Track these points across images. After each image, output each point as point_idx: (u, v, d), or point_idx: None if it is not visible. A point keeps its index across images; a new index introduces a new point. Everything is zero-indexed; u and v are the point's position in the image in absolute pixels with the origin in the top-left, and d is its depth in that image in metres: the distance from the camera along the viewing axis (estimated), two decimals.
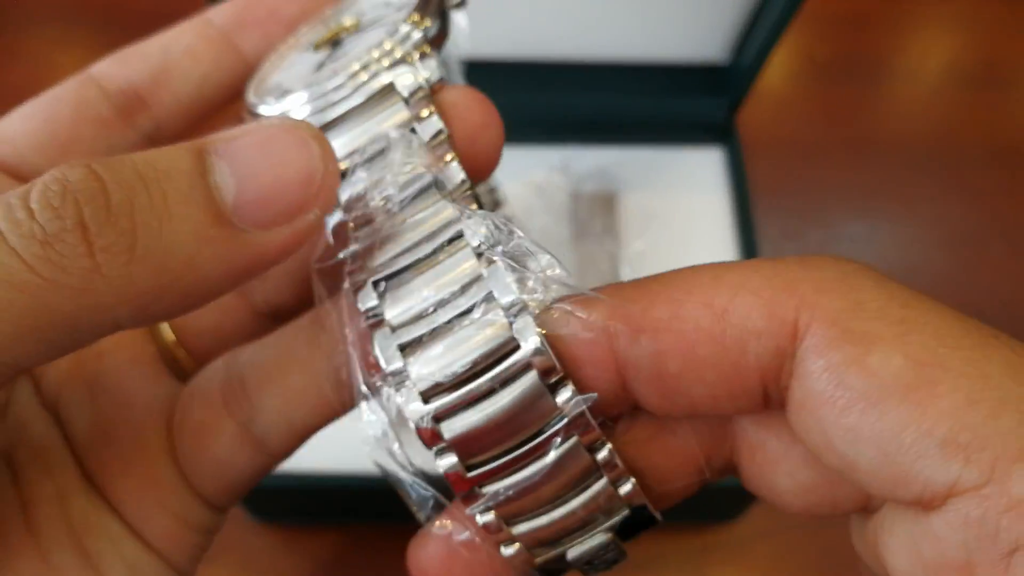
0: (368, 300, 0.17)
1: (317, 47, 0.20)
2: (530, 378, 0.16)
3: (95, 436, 0.19)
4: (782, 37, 0.48)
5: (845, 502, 0.17)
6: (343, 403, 0.19)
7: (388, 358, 0.16)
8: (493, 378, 0.16)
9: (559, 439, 0.16)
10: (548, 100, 0.53)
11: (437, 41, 0.19)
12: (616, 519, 0.17)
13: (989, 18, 0.68)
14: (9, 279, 0.13)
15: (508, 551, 0.17)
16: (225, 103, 0.21)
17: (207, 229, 0.14)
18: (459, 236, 0.17)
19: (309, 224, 0.15)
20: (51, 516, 0.18)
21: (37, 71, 0.63)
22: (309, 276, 0.19)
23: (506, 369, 0.16)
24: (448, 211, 0.17)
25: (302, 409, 0.19)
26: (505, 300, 0.16)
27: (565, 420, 0.16)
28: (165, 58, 0.20)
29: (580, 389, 0.16)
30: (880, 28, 0.67)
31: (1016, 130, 0.63)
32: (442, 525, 0.17)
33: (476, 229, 0.17)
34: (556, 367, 0.16)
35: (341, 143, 0.18)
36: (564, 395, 0.16)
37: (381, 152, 0.18)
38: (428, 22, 0.19)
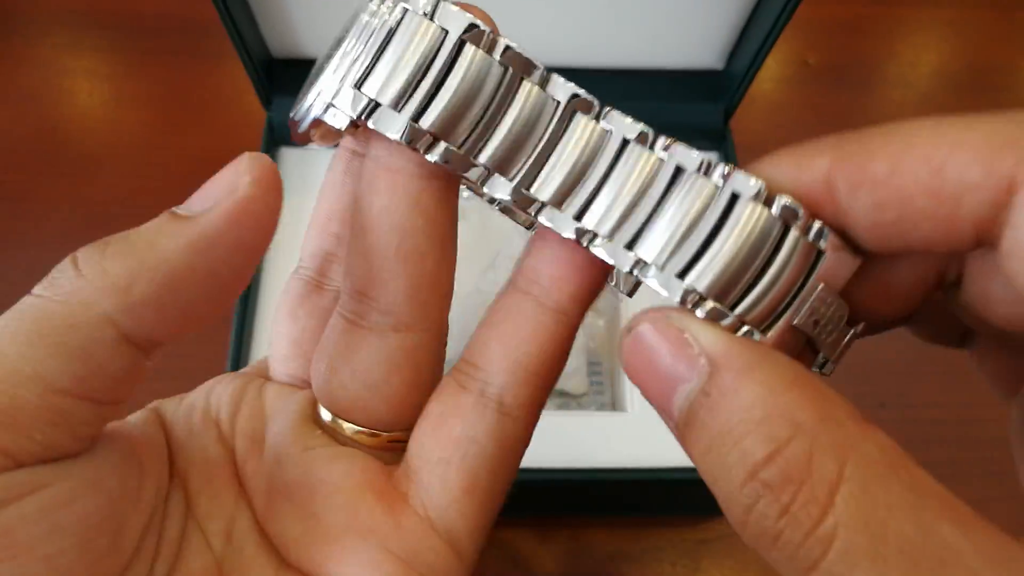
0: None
1: None
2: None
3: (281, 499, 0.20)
4: (775, 43, 0.49)
5: None
6: None
7: (671, 289, 0.17)
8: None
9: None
10: None
11: None
12: (819, 264, 0.18)
13: (980, 24, 0.69)
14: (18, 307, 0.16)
15: (742, 332, 0.18)
16: None
17: (164, 223, 0.17)
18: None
19: (246, 190, 0.17)
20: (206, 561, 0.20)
21: (47, 76, 0.64)
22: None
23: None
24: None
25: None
26: (694, 164, 0.17)
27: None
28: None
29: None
30: (872, 34, 0.68)
31: None
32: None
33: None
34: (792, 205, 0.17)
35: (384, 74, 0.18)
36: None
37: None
38: None
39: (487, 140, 0.18)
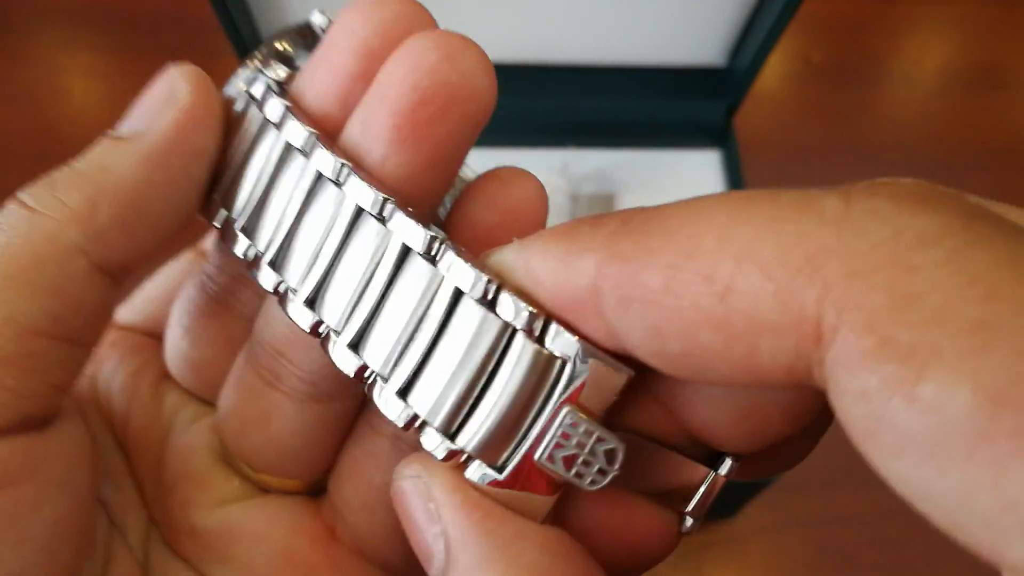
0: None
1: None
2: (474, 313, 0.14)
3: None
4: (779, 40, 0.48)
5: None
6: None
7: (397, 415, 0.15)
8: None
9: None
10: (548, 103, 0.54)
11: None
12: (563, 377, 0.14)
13: (983, 21, 0.68)
14: None
15: (471, 473, 0.14)
16: None
17: (111, 145, 0.16)
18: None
19: (188, 97, 0.16)
20: None
21: (43, 74, 0.63)
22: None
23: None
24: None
25: None
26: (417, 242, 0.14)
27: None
28: None
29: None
30: (876, 31, 0.67)
31: (1010, 131, 0.64)
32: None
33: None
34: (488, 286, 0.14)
35: None
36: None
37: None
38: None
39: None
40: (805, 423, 0.15)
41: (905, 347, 0.10)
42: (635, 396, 0.15)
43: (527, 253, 0.14)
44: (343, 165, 0.15)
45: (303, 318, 0.15)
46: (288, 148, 0.16)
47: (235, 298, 0.19)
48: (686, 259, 0.12)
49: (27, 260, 0.15)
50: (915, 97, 0.65)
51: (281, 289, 0.16)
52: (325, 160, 0.15)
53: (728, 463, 0.15)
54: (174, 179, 0.16)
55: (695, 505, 0.16)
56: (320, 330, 0.15)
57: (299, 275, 0.15)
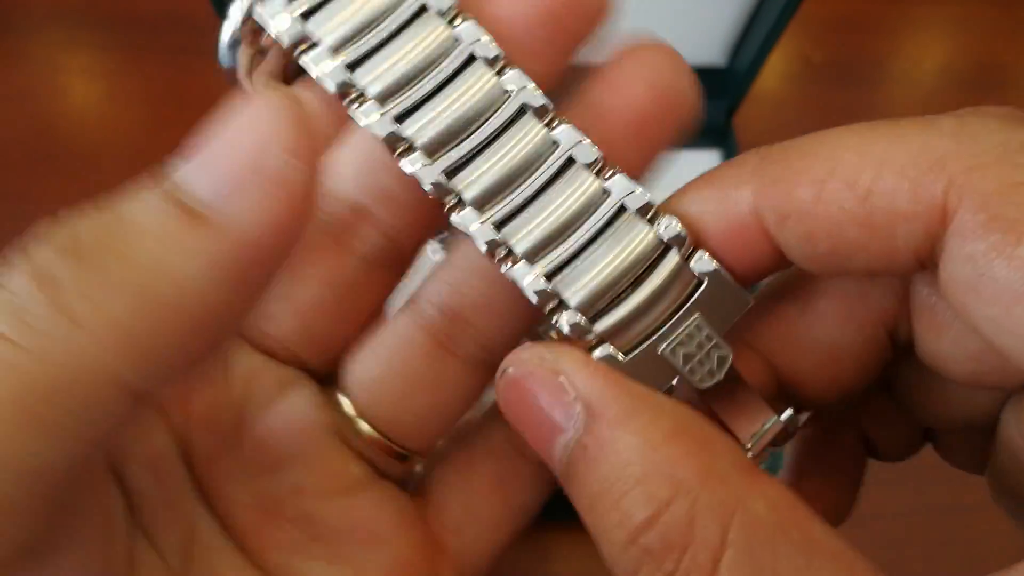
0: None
1: None
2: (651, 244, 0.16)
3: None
4: (779, 40, 0.48)
5: (1015, 376, 0.16)
6: None
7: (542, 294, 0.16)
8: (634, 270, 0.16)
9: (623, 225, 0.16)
10: None
11: None
12: (696, 294, 0.16)
13: (983, 21, 0.68)
14: None
15: (599, 352, 0.16)
16: None
17: (177, 230, 0.12)
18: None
19: (297, 184, 0.13)
20: None
21: (42, 74, 0.63)
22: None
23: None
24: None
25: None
26: (636, 203, 0.16)
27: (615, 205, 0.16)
28: None
29: (736, 268, 0.17)
30: (876, 31, 0.67)
31: None
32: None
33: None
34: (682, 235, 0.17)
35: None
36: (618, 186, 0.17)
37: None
38: None
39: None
40: (872, 375, 0.18)
41: (1010, 220, 0.13)
42: (736, 346, 0.17)
43: (684, 203, 0.17)
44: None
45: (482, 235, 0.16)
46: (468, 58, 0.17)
47: (351, 232, 0.17)
48: (830, 173, 0.15)
49: (56, 395, 0.12)
50: (915, 97, 0.65)
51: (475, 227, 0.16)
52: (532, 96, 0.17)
53: (789, 412, 0.18)
54: (252, 293, 0.13)
55: (755, 443, 0.18)
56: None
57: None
